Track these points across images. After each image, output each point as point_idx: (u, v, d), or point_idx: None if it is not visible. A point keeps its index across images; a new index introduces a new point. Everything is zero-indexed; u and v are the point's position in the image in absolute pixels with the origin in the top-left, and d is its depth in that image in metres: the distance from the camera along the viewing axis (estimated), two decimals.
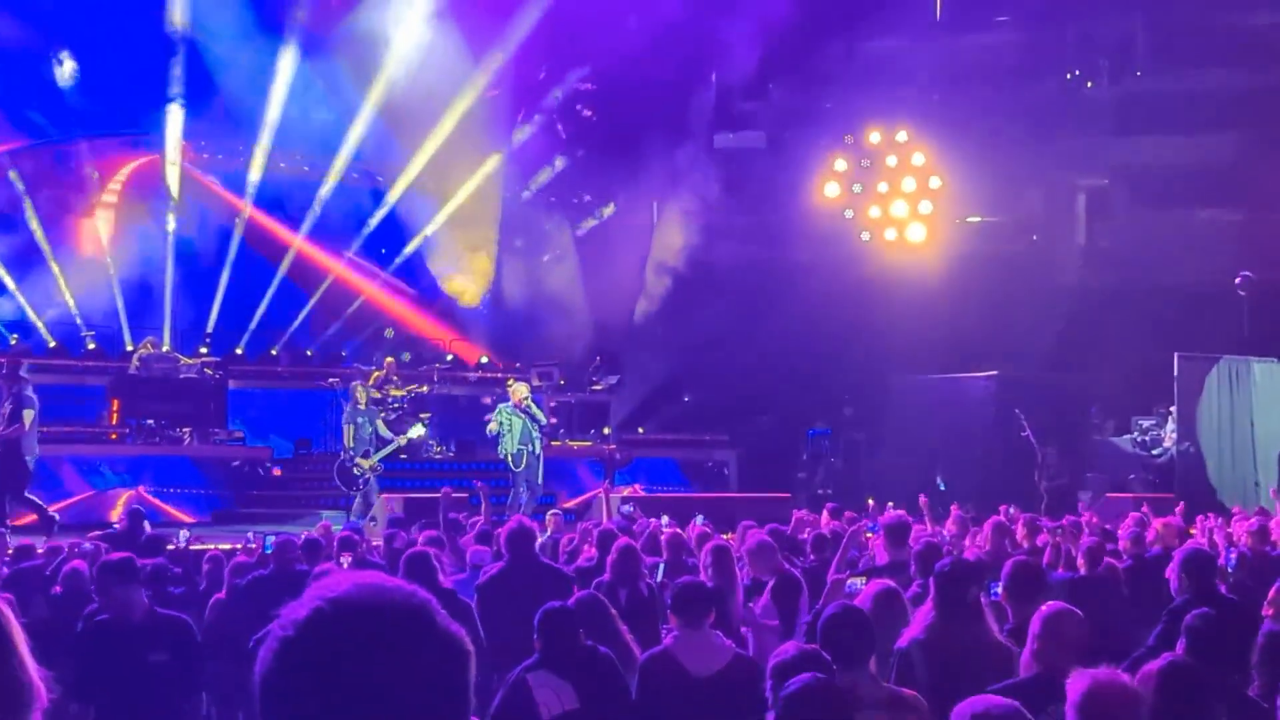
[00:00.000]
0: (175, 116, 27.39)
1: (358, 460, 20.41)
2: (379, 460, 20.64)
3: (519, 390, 20.96)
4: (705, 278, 28.83)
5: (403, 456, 23.47)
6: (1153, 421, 24.85)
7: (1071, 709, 4.35)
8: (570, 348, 29.95)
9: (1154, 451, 24.56)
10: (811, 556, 11.29)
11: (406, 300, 30.84)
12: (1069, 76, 29.45)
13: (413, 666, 1.88)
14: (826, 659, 5.27)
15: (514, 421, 20.45)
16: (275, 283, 28.75)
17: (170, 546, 13.34)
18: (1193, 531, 14.04)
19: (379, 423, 20.96)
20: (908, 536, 10.29)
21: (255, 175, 28.20)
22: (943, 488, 24.45)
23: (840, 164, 29.61)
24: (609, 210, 31.53)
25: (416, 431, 21.75)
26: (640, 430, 28.63)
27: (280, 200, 29.36)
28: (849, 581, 8.31)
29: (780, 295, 27.77)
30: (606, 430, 27.40)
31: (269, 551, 12.23)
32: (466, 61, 28.99)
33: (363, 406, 20.69)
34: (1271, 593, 8.53)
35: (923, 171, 29.37)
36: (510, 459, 20.62)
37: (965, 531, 13.44)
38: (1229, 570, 10.71)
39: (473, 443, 25.41)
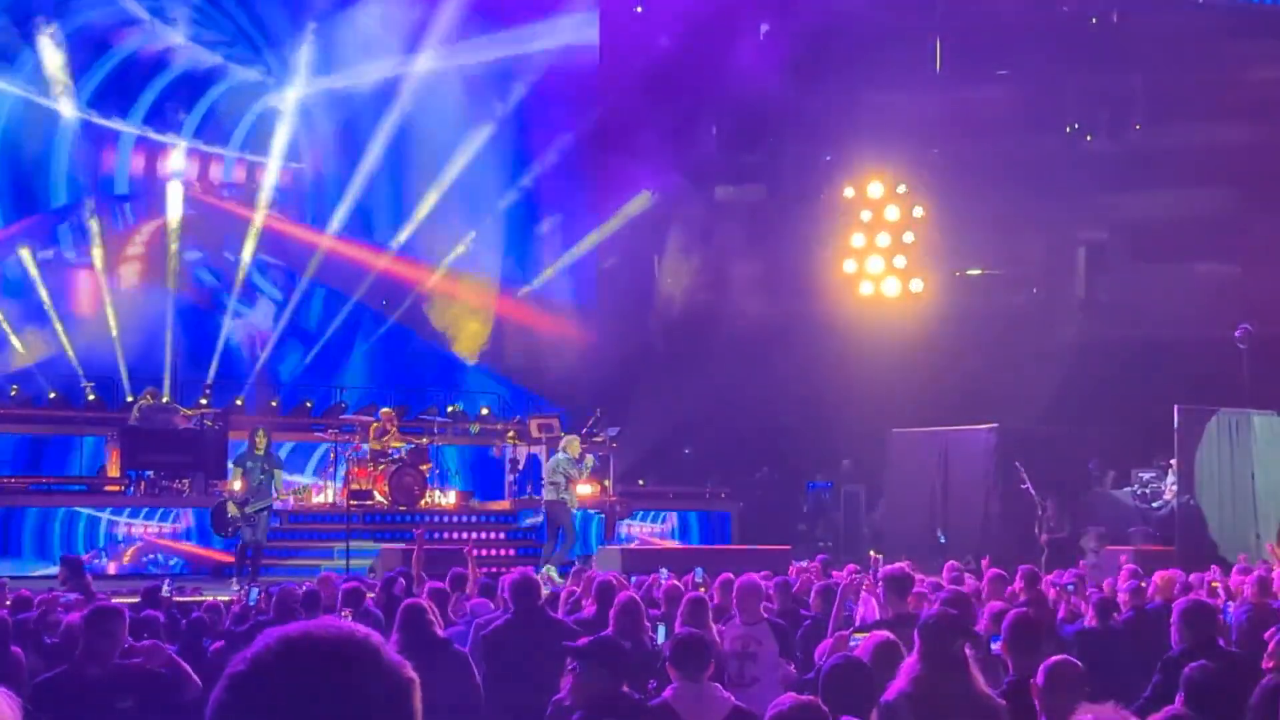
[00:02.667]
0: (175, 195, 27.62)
1: (230, 504, 20.05)
2: (252, 511, 20.07)
3: (575, 445, 21.55)
4: (706, 331, 28.84)
5: (403, 508, 23.43)
6: (1153, 474, 24.81)
7: None
8: (571, 400, 29.99)
9: (1154, 504, 24.50)
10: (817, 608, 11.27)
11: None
12: (1069, 130, 29.58)
13: (359, 697, 1.96)
14: (824, 710, 5.26)
15: (573, 472, 21.23)
16: (276, 333, 28.81)
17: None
18: (1190, 582, 14.00)
19: (277, 474, 20.55)
20: (910, 589, 10.29)
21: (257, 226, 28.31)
22: (943, 540, 24.40)
23: (840, 217, 29.69)
24: (609, 264, 31.57)
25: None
26: (641, 483, 28.60)
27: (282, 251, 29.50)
28: (852, 638, 8.29)
29: (780, 347, 27.80)
30: (606, 482, 27.36)
31: (252, 604, 12.21)
32: (466, 117, 29.18)
33: (260, 453, 20.28)
34: (1271, 645, 8.51)
35: (923, 224, 29.44)
36: (570, 506, 21.34)
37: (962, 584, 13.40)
38: (1229, 623, 10.68)
39: (471, 494, 25.41)
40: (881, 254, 29.65)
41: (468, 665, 8.60)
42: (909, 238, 29.53)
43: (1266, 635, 7.99)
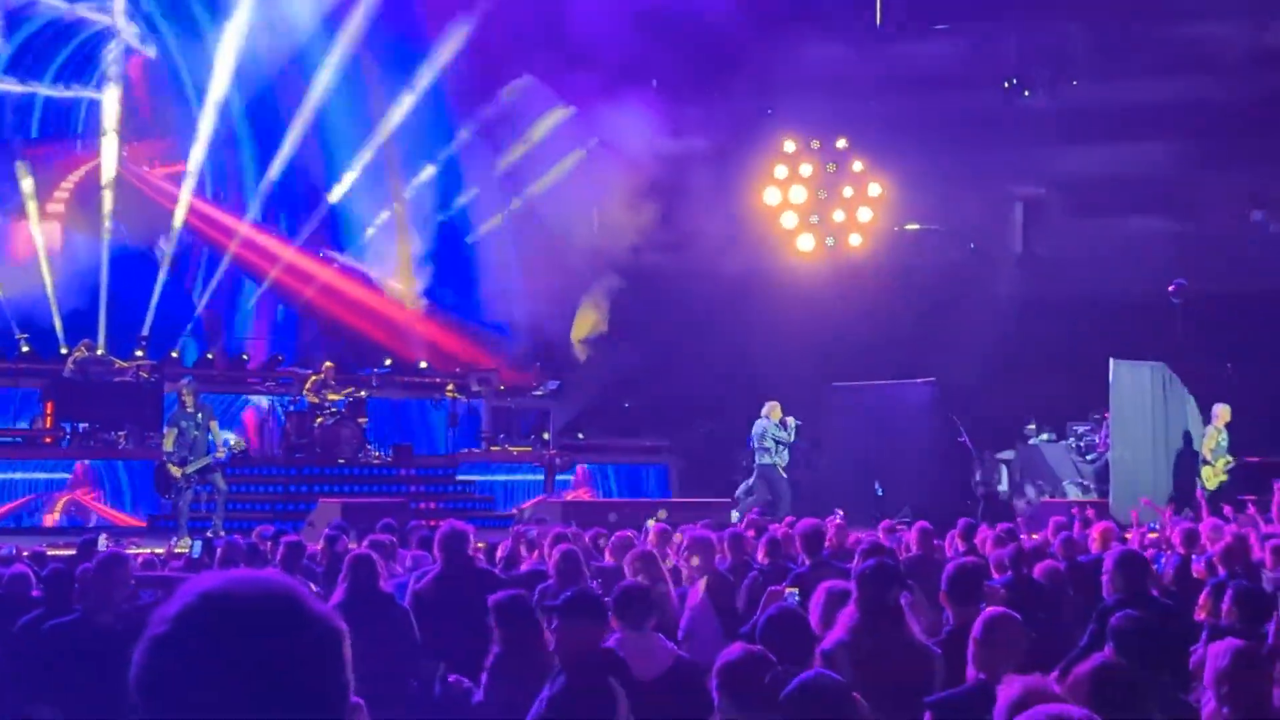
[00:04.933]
0: (111, 101, 27.28)
1: (170, 466, 19.64)
2: (194, 471, 19.57)
3: (776, 411, 22.58)
4: (645, 284, 28.84)
5: (341, 461, 23.35)
6: (1088, 427, 25.10)
7: (1000, 715, 4.38)
8: (511, 353, 29.98)
9: (1088, 457, 24.80)
10: (764, 560, 11.37)
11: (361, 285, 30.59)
12: (1006, 85, 29.66)
13: (285, 650, 1.92)
14: (773, 659, 5.31)
15: (778, 436, 22.43)
16: (213, 283, 28.61)
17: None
18: (1128, 536, 14.19)
19: (213, 425, 20.19)
20: (822, 542, 11.07)
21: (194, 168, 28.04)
22: (880, 493, 24.61)
23: (780, 170, 29.71)
24: (547, 216, 31.46)
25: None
26: (580, 436, 28.64)
27: (220, 201, 29.28)
28: (786, 591, 8.41)
29: (719, 301, 27.83)
30: (546, 436, 27.40)
31: (196, 557, 12.18)
32: (407, 65, 28.98)
33: (189, 410, 19.78)
34: (1202, 597, 8.66)
35: (861, 179, 29.51)
36: (781, 470, 22.37)
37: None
38: (1160, 574, 10.84)
39: (409, 447, 25.35)
40: (820, 208, 29.71)
41: (409, 620, 8.59)
42: (848, 192, 29.61)
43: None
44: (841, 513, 15.56)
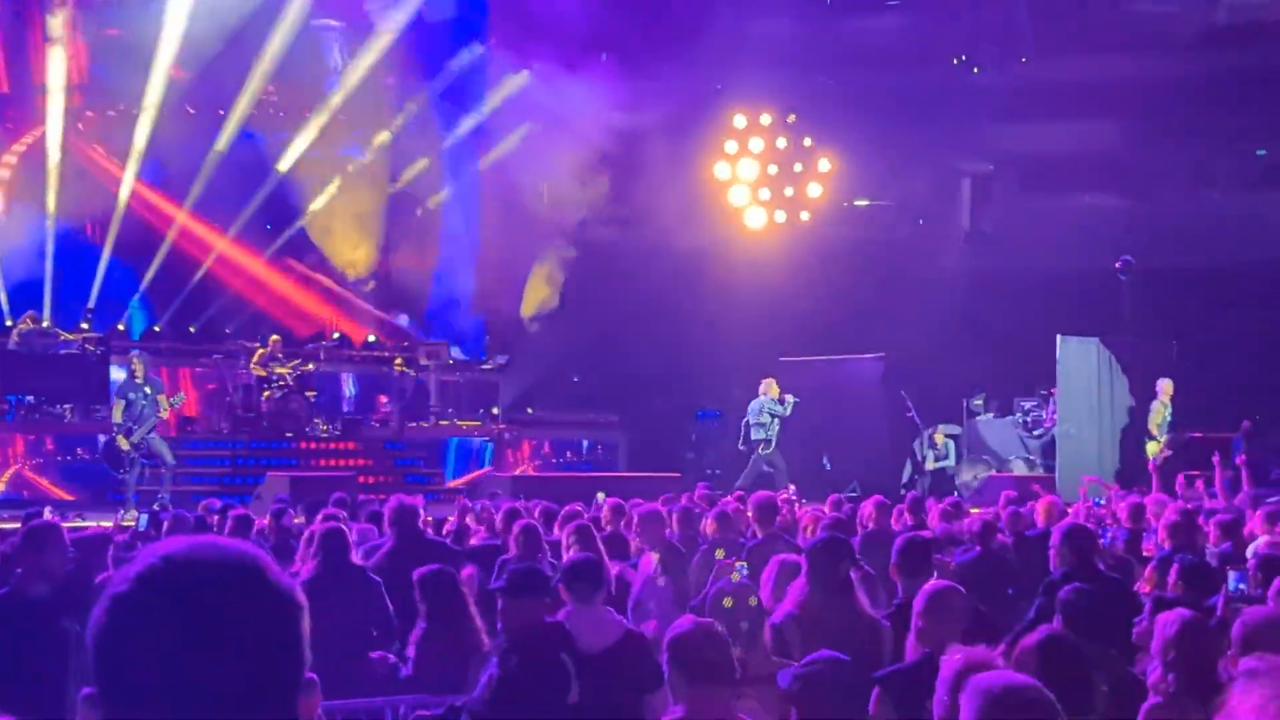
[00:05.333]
0: (57, 64, 26.89)
1: (118, 437, 19.37)
2: (140, 438, 19.26)
3: (774, 388, 22.69)
4: (594, 259, 28.78)
5: (289, 435, 23.23)
6: (1034, 403, 25.26)
7: (943, 685, 4.40)
8: (459, 326, 29.88)
9: (1035, 432, 24.98)
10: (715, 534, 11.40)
11: (291, 277, 30.37)
12: (956, 62, 29.75)
13: (245, 618, 1.91)
14: (723, 633, 5.33)
15: (774, 411, 22.48)
16: (159, 258, 28.32)
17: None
18: (1069, 511, 14.29)
19: (161, 399, 19.88)
20: (775, 515, 11.18)
21: (140, 144, 27.66)
22: (828, 467, 24.72)
23: (730, 145, 29.69)
24: (497, 191, 31.35)
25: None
26: (529, 410, 28.61)
27: (165, 172, 28.89)
28: (736, 564, 8.43)
29: (669, 276, 27.79)
30: (495, 410, 27.35)
31: (143, 530, 12.11)
32: (358, 36, 28.78)
33: (139, 381, 19.48)
34: (1147, 571, 8.74)
35: (811, 154, 29.53)
36: (765, 445, 22.36)
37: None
38: (1107, 548, 10.93)
39: (358, 421, 25.26)
40: (770, 183, 29.72)
41: (381, 592, 8.54)
42: (798, 167, 29.63)
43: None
44: (794, 487, 15.64)
